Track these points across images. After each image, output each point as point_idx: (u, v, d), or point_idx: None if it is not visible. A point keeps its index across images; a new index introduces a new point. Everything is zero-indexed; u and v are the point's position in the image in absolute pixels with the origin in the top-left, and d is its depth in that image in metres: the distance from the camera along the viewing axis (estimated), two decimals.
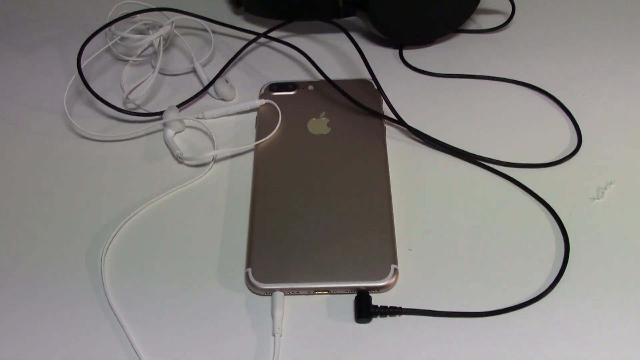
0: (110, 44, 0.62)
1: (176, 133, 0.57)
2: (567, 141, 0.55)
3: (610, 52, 0.64)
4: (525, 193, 0.51)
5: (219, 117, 0.58)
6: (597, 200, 0.50)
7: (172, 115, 0.56)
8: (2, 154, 0.57)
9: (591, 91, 0.60)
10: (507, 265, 0.47)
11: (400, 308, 0.44)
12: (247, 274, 0.45)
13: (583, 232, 0.48)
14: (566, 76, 0.61)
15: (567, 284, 0.45)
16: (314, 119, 0.56)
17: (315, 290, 0.45)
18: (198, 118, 0.58)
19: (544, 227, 0.49)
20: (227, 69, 0.62)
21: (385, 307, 0.44)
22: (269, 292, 0.45)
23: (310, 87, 0.59)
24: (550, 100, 0.59)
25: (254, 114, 0.58)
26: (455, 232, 0.49)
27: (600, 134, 0.56)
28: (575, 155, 0.54)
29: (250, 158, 0.55)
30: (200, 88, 0.62)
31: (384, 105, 0.58)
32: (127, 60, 0.65)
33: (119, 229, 0.50)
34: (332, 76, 0.62)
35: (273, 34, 0.68)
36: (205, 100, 0.61)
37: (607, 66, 0.62)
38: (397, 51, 0.65)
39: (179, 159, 0.55)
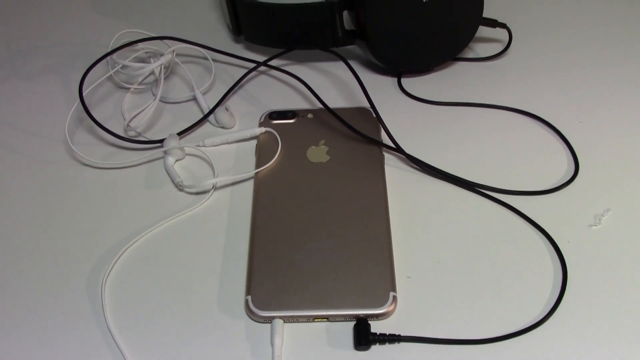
0: (112, 72, 0.63)
1: (177, 161, 0.58)
2: (564, 168, 0.56)
3: (606, 80, 0.65)
4: (523, 220, 0.51)
5: (219, 145, 0.59)
6: (595, 227, 0.51)
7: (172, 143, 0.56)
8: (3, 181, 0.57)
9: (587, 118, 0.60)
10: (505, 293, 0.47)
11: (399, 335, 0.44)
12: (246, 302, 0.45)
13: (580, 259, 0.48)
14: (563, 104, 0.62)
15: (565, 310, 0.45)
16: (313, 147, 0.56)
17: (315, 318, 0.45)
18: (198, 146, 0.58)
19: (542, 254, 0.49)
20: (227, 97, 0.63)
21: (384, 335, 0.44)
22: (269, 320, 0.45)
23: (310, 115, 0.59)
24: (547, 128, 0.60)
25: (254, 142, 0.59)
26: (453, 260, 0.49)
27: (597, 161, 0.56)
28: (573, 183, 0.54)
29: (250, 186, 0.55)
30: (201, 116, 0.62)
31: (383, 133, 0.58)
32: (129, 88, 0.66)
33: (120, 255, 0.50)
34: (332, 104, 0.63)
35: (273, 62, 0.68)
36: (206, 128, 0.61)
37: (603, 94, 0.63)
38: (395, 79, 0.66)
39: (179, 187, 0.55)
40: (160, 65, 0.63)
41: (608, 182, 0.54)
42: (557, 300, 0.46)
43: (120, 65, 0.63)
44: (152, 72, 0.65)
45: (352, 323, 0.45)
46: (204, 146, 0.58)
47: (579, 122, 0.60)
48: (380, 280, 0.46)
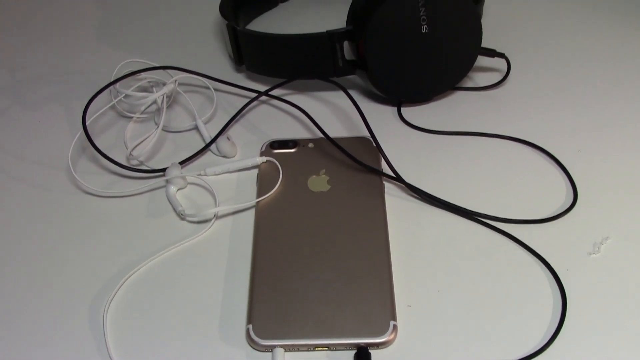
0: (114, 101, 0.63)
1: (178, 189, 0.58)
2: (562, 197, 0.56)
3: (604, 109, 0.65)
4: (522, 249, 0.52)
5: (220, 174, 0.59)
6: (594, 255, 0.51)
7: (174, 172, 0.57)
8: (6, 209, 0.57)
9: (586, 147, 0.61)
10: (505, 321, 0.47)
11: None
12: (247, 330, 0.46)
13: (580, 287, 0.49)
14: (561, 132, 0.62)
15: (565, 339, 0.45)
16: (314, 176, 0.57)
17: (316, 347, 0.45)
18: (200, 175, 0.59)
19: (542, 282, 0.49)
20: (228, 126, 0.63)
21: None
22: (270, 349, 0.45)
23: (311, 145, 0.60)
24: (546, 157, 0.60)
25: (255, 171, 0.59)
26: (453, 288, 0.49)
27: (595, 189, 0.56)
28: (571, 211, 0.55)
29: (251, 215, 0.55)
30: (203, 145, 0.63)
31: (383, 163, 0.59)
32: (131, 117, 0.67)
33: (122, 284, 0.50)
34: (332, 133, 0.63)
35: (274, 92, 0.69)
36: (208, 157, 0.62)
37: (600, 123, 0.63)
38: (395, 109, 0.66)
39: (181, 216, 0.55)
40: (163, 94, 0.64)
41: (607, 210, 0.55)
42: (556, 328, 0.46)
43: (123, 95, 0.63)
44: (155, 102, 0.65)
45: (353, 352, 0.45)
46: (206, 175, 0.59)
47: (577, 150, 0.60)
48: (380, 309, 0.46)
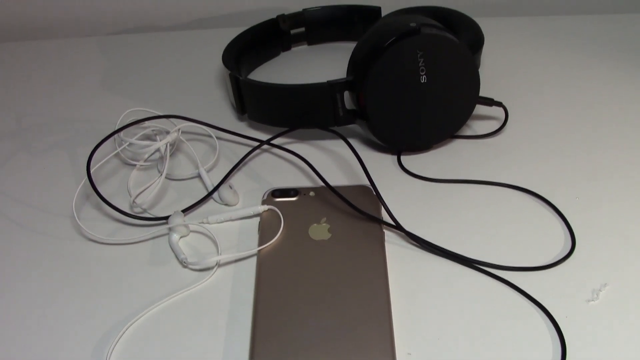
0: (119, 149, 0.64)
1: (181, 237, 0.58)
2: (561, 244, 0.56)
3: (601, 156, 0.66)
4: (521, 296, 0.52)
5: (222, 222, 0.60)
6: (592, 302, 0.51)
7: (177, 220, 0.57)
8: (9, 255, 0.58)
9: (583, 194, 0.61)
10: None
11: None
12: None
13: (579, 334, 0.49)
14: (559, 180, 0.63)
15: None
16: (315, 224, 0.57)
17: None
18: (202, 223, 0.59)
19: (541, 329, 0.49)
20: (231, 174, 0.64)
21: None
22: None
23: (312, 193, 0.60)
24: (544, 204, 0.60)
25: (257, 219, 0.60)
26: (453, 336, 0.49)
27: (593, 236, 0.57)
28: (570, 258, 0.55)
29: (253, 263, 0.56)
30: (205, 193, 0.64)
31: (383, 211, 0.59)
32: (135, 165, 0.67)
33: (124, 331, 0.51)
34: (333, 182, 0.64)
35: (275, 140, 0.70)
36: (210, 205, 0.62)
37: (598, 170, 0.64)
38: (395, 157, 0.67)
39: (183, 264, 0.56)
40: (166, 143, 0.64)
41: (605, 257, 0.55)
42: None
43: (127, 143, 0.64)
44: (158, 150, 0.66)
45: None
46: (208, 223, 0.59)
47: (575, 197, 0.61)
48: (381, 357, 0.46)
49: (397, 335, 0.49)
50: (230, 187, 0.61)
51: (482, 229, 0.58)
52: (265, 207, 0.59)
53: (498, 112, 0.73)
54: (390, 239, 0.57)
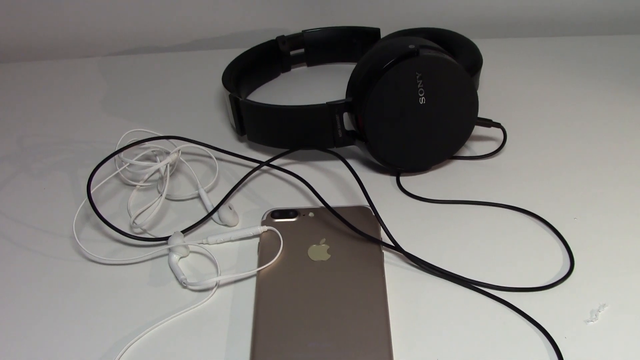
0: (119, 170, 0.64)
1: (181, 258, 0.59)
2: (559, 264, 0.56)
3: (599, 176, 0.66)
4: (520, 316, 0.52)
5: (222, 242, 0.60)
6: (591, 322, 0.51)
7: (177, 241, 0.58)
8: (9, 276, 0.58)
9: (581, 214, 0.61)
10: None
11: None
12: None
13: (578, 355, 0.49)
14: (557, 200, 0.63)
15: None
16: (314, 245, 0.57)
17: None
18: (202, 244, 0.60)
19: (540, 350, 0.49)
20: (230, 195, 0.64)
21: None
22: None
23: (311, 214, 0.61)
24: (543, 224, 0.61)
25: (257, 240, 0.60)
26: (452, 357, 0.49)
27: (592, 256, 0.57)
28: (568, 278, 0.55)
29: (252, 283, 0.56)
30: (205, 214, 0.64)
31: (382, 232, 0.59)
32: (135, 185, 0.68)
33: (124, 352, 0.50)
34: (332, 203, 0.64)
35: (275, 162, 0.70)
36: (210, 225, 0.63)
37: (596, 190, 0.64)
38: (394, 178, 0.67)
39: (183, 284, 0.56)
40: (166, 164, 0.65)
41: (603, 278, 0.55)
42: None
43: (128, 164, 0.65)
44: (158, 170, 0.66)
45: None
46: (208, 244, 0.60)
47: (573, 218, 0.61)
48: None
49: (396, 356, 0.49)
50: (230, 208, 0.62)
51: (481, 250, 0.58)
52: (265, 227, 0.59)
53: (496, 132, 0.74)
54: (390, 259, 0.57)
